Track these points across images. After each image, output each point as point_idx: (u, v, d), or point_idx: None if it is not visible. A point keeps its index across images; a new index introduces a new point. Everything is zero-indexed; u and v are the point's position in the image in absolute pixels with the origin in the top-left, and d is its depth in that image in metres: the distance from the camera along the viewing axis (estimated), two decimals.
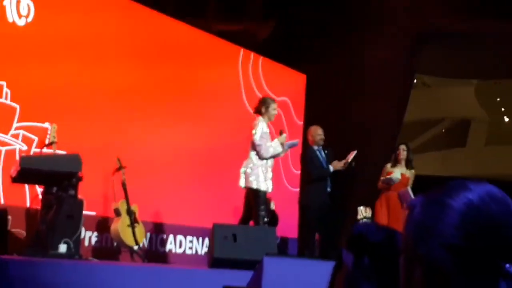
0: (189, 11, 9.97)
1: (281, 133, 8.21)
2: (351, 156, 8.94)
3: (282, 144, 8.04)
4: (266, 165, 7.89)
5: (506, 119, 18.27)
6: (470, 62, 14.59)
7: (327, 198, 9.03)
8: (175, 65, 9.63)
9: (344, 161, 8.93)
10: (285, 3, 11.38)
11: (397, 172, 9.23)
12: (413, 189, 8.86)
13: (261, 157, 7.83)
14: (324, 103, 11.26)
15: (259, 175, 7.82)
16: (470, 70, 15.56)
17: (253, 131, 7.87)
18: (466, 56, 14.09)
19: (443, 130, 19.18)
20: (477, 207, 1.22)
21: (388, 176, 9.19)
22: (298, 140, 8.69)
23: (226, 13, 10.96)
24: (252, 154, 7.87)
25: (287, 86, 11.63)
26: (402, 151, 9.41)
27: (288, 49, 11.32)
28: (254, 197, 7.85)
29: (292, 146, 8.38)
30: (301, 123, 11.80)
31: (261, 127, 7.87)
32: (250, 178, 7.81)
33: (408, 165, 9.39)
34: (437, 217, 1.25)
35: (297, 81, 11.89)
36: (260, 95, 10.78)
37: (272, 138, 8.10)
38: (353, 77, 11.51)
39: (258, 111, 8.02)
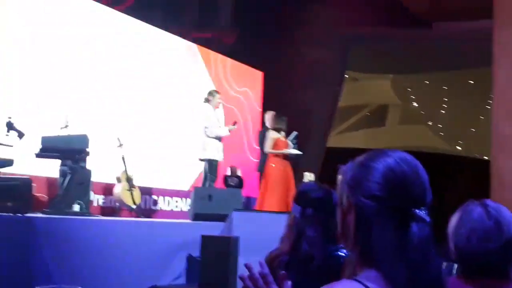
0: (169, 21, 9.86)
1: (234, 123, 8.23)
2: (291, 136, 8.40)
3: (229, 130, 8.08)
4: (216, 141, 7.88)
5: (415, 104, 18.49)
6: (387, 61, 14.73)
7: None
8: (162, 65, 9.57)
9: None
10: (247, 16, 11.28)
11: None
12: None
13: (208, 136, 7.83)
14: (277, 94, 11.25)
15: (212, 150, 7.83)
16: (387, 67, 15.71)
17: (204, 117, 7.86)
18: (384, 56, 14.21)
19: (367, 114, 19.32)
20: (393, 168, 1.29)
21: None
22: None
23: (200, 22, 10.85)
24: (204, 134, 7.87)
25: (249, 80, 11.61)
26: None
27: (249, 52, 11.26)
28: (209, 166, 7.85)
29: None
30: (260, 109, 11.81)
31: (209, 114, 7.87)
32: (205, 152, 7.81)
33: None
34: (364, 176, 1.31)
35: (256, 76, 11.85)
36: (227, 88, 10.76)
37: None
38: (300, 72, 11.52)
39: (206, 100, 8.03)
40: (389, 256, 1.24)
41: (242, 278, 1.46)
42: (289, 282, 1.47)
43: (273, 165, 8.07)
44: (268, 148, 8.11)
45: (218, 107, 8.18)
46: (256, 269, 1.46)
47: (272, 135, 8.14)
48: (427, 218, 1.26)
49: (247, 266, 1.47)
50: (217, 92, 8.24)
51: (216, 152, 7.88)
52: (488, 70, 9.34)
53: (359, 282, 1.24)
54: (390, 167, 1.29)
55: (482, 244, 1.91)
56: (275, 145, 8.11)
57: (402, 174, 1.28)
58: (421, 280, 1.23)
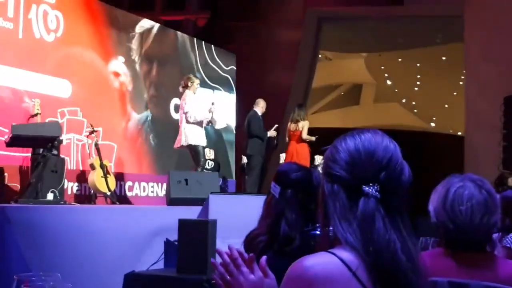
0: (140, 5, 9.73)
1: (212, 104, 8.20)
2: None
3: (210, 111, 8.01)
4: (197, 126, 7.85)
5: (389, 82, 18.61)
6: (361, 40, 14.78)
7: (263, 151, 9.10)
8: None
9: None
10: None
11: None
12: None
13: (188, 122, 7.79)
14: (251, 75, 11.22)
15: (193, 134, 7.80)
16: (360, 46, 15.76)
17: (184, 103, 7.79)
18: (357, 35, 14.25)
19: (342, 93, 19.40)
20: (350, 149, 1.41)
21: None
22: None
23: (170, 6, 10.75)
24: (183, 120, 7.84)
25: (222, 63, 11.56)
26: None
27: (222, 33, 11.20)
28: (193, 151, 7.83)
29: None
30: (233, 92, 11.79)
31: (190, 99, 7.80)
32: (187, 138, 7.79)
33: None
34: (330, 158, 1.44)
35: (229, 58, 11.80)
36: (201, 71, 10.71)
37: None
38: (273, 53, 11.49)
39: (185, 86, 7.99)
40: (344, 230, 1.34)
41: (214, 265, 1.53)
42: (264, 257, 1.53)
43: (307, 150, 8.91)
44: (306, 135, 8.96)
45: (195, 92, 8.14)
46: (229, 253, 1.52)
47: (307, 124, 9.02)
48: (376, 194, 1.35)
49: (218, 252, 1.53)
50: (195, 77, 8.22)
51: (198, 137, 7.87)
52: (460, 46, 9.43)
53: (332, 253, 1.32)
54: (348, 149, 1.41)
55: (484, 220, 1.95)
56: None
57: (356, 155, 1.39)
58: (374, 250, 1.31)
